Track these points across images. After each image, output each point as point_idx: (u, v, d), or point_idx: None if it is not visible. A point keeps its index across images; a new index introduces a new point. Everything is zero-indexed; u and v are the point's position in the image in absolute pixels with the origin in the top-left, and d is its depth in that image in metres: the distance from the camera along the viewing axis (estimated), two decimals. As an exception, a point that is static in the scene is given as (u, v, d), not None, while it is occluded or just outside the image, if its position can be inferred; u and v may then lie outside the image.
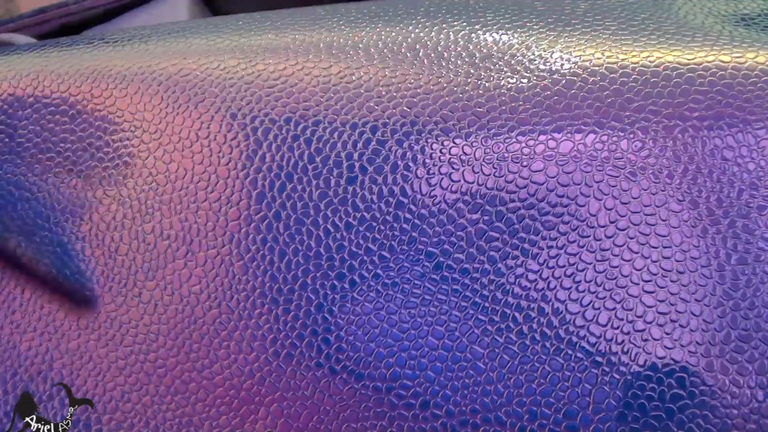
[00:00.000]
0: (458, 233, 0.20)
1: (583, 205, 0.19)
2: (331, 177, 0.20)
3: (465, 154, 0.20)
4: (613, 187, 0.20)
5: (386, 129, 0.21)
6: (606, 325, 0.19)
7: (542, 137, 0.20)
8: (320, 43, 0.23)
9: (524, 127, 0.20)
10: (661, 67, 0.21)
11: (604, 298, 0.19)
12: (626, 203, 0.19)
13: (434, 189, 0.20)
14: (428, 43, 0.22)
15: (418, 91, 0.21)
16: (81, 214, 0.22)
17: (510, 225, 0.20)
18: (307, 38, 0.23)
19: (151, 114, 0.22)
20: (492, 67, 0.21)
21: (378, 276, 0.20)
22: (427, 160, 0.20)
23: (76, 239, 0.21)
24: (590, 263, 0.19)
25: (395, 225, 0.20)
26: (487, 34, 0.22)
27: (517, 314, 0.19)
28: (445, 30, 0.23)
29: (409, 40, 0.22)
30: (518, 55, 0.22)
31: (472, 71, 0.21)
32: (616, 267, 0.19)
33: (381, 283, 0.20)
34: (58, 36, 0.31)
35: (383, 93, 0.21)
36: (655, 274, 0.19)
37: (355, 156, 0.20)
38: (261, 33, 0.24)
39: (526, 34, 0.22)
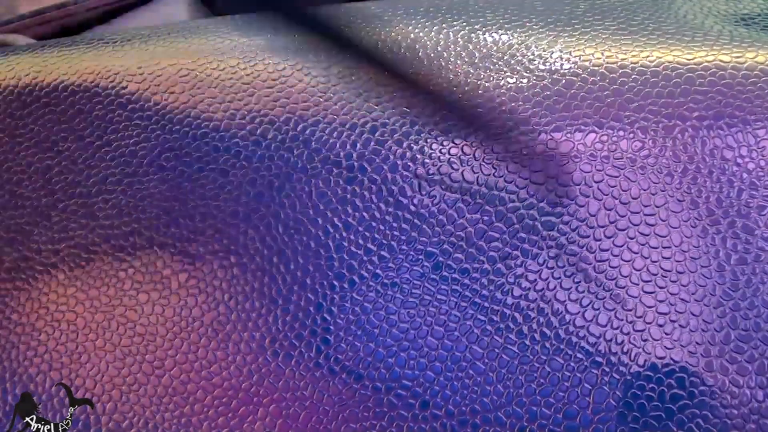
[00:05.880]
0: (458, 233, 0.20)
1: (583, 206, 0.19)
2: (331, 177, 0.20)
3: (465, 153, 0.20)
4: (612, 187, 0.19)
5: (386, 129, 0.21)
6: (606, 326, 0.19)
7: (542, 137, 0.20)
8: (320, 44, 0.23)
9: (524, 126, 0.20)
10: (661, 66, 0.21)
11: (604, 298, 0.19)
12: (626, 203, 0.19)
13: (434, 189, 0.20)
14: (428, 43, 0.22)
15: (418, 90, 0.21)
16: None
17: (510, 225, 0.20)
18: (307, 38, 0.23)
19: (151, 114, 0.22)
20: (492, 67, 0.21)
21: (377, 276, 0.20)
22: (426, 160, 0.20)
23: None
24: (590, 263, 0.19)
25: (395, 225, 0.20)
26: (487, 33, 0.22)
27: (517, 314, 0.19)
28: (445, 30, 0.23)
29: (409, 40, 0.22)
30: (518, 54, 0.22)
31: (471, 71, 0.21)
32: (616, 267, 0.19)
33: (380, 283, 0.20)
34: (58, 36, 0.31)
35: (383, 93, 0.21)
36: (654, 275, 0.19)
37: (355, 156, 0.20)
38: (261, 33, 0.24)
39: (526, 34, 0.22)
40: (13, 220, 0.22)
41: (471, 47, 0.22)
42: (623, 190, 0.19)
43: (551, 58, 0.21)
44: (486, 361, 0.19)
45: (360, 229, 0.20)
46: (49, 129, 0.22)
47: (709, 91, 0.20)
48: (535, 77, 0.21)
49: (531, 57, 0.21)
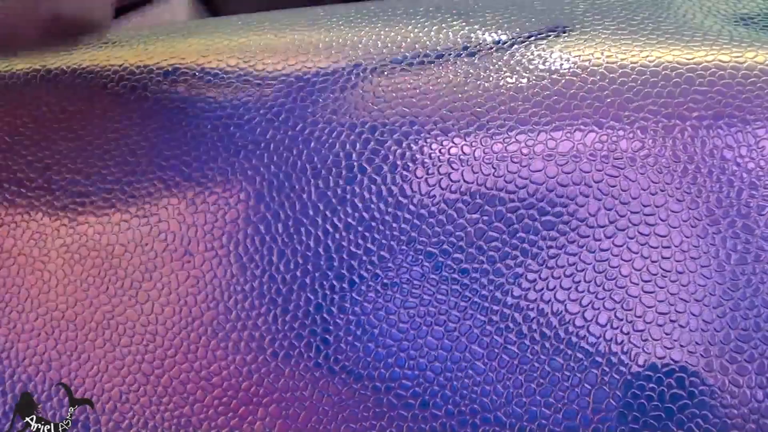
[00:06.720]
0: (458, 233, 0.20)
1: (583, 205, 0.19)
2: (330, 177, 0.20)
3: (464, 153, 0.20)
4: (612, 187, 0.19)
5: (385, 129, 0.21)
6: (606, 325, 0.19)
7: (541, 137, 0.20)
8: (319, 44, 0.23)
9: (523, 126, 0.20)
10: (661, 66, 0.21)
11: (604, 298, 0.19)
12: (626, 203, 0.19)
13: (433, 189, 0.20)
14: (428, 43, 0.22)
15: (417, 91, 0.21)
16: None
17: (509, 225, 0.20)
18: (306, 38, 0.23)
19: (150, 114, 0.22)
20: (491, 67, 0.21)
21: (377, 276, 0.20)
22: (426, 160, 0.20)
23: None
24: (590, 263, 0.19)
25: (394, 225, 0.20)
26: (487, 33, 0.22)
27: (516, 314, 0.19)
28: (445, 30, 0.23)
29: (409, 40, 0.22)
30: (518, 54, 0.22)
31: (471, 71, 0.21)
32: (616, 267, 0.19)
33: (380, 284, 0.20)
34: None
35: (382, 93, 0.21)
36: (654, 274, 0.19)
37: (354, 156, 0.20)
38: (260, 33, 0.24)
39: (526, 34, 0.22)
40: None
41: (471, 47, 0.22)
42: (623, 190, 0.19)
43: (551, 58, 0.21)
44: (486, 361, 0.19)
45: (359, 229, 0.20)
46: (47, 127, 0.22)
47: (708, 91, 0.20)
48: (534, 77, 0.21)
49: (531, 57, 0.21)
